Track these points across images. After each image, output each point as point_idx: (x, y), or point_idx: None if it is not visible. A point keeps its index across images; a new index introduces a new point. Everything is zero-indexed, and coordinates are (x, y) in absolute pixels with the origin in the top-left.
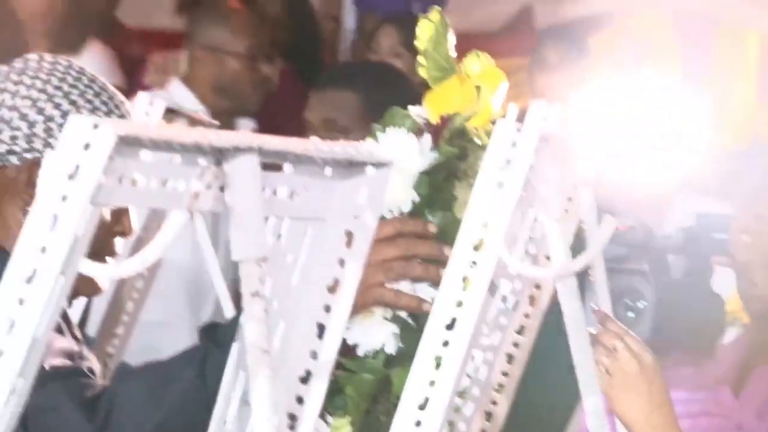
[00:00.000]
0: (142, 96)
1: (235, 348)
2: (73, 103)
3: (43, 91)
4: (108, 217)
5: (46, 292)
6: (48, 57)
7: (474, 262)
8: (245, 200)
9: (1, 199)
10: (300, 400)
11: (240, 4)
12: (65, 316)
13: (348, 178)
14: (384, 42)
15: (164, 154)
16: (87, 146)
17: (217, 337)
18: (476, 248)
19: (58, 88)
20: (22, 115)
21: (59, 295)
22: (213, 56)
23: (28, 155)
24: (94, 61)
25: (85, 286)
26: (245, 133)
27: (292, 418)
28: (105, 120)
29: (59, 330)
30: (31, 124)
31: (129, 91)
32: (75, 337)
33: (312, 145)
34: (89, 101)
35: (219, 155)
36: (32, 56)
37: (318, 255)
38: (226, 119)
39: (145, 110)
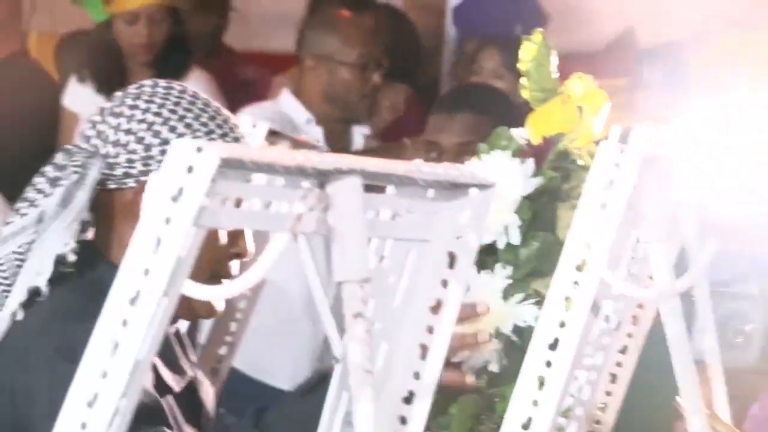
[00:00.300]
0: (245, 118)
1: (338, 369)
2: (188, 126)
3: (158, 114)
4: (224, 239)
5: (149, 314)
6: (162, 82)
7: (576, 283)
8: (348, 222)
9: (119, 220)
10: (403, 421)
11: (350, 14)
12: (180, 339)
13: (451, 200)
14: (486, 64)
15: (267, 177)
16: (190, 169)
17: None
18: (579, 269)
19: (173, 111)
20: (139, 139)
21: (162, 316)
22: (323, 65)
23: (144, 178)
24: (197, 86)
25: (202, 309)
26: (348, 156)
27: None
28: (208, 143)
29: (172, 353)
30: (147, 148)
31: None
32: (190, 361)
33: (414, 167)
34: (204, 124)
35: (322, 177)
36: (147, 82)
37: (421, 276)
38: (334, 126)
39: (248, 132)
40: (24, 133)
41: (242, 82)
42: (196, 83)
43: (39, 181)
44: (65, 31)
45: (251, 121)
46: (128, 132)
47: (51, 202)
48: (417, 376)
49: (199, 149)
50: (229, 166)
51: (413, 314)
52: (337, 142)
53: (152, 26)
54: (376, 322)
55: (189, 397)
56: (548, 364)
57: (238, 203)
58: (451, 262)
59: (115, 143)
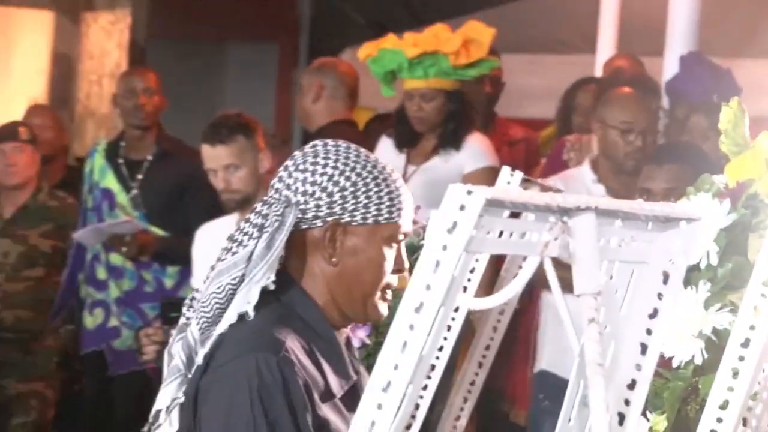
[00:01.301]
0: (505, 170)
1: (576, 362)
2: (358, 174)
3: (335, 168)
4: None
5: (430, 320)
6: (331, 142)
7: (764, 295)
8: (585, 248)
9: (309, 254)
10: (627, 402)
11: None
12: (349, 344)
13: (665, 230)
14: (695, 126)
15: (522, 213)
16: (462, 207)
17: None
18: (765, 284)
19: (345, 164)
20: (323, 188)
21: (440, 322)
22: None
23: (329, 219)
24: (475, 147)
25: (373, 315)
26: (584, 196)
27: (621, 416)
28: (477, 188)
29: (341, 359)
30: (330, 195)
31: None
32: (353, 365)
33: (638, 205)
34: (369, 172)
35: (564, 213)
36: (318, 142)
37: (641, 290)
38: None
39: (507, 180)
40: None
41: (511, 142)
42: (474, 143)
43: (246, 227)
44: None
45: (509, 172)
46: (314, 183)
47: (259, 246)
48: (638, 368)
49: (469, 192)
50: (492, 204)
51: (635, 320)
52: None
53: (422, 103)
54: (607, 326)
55: (352, 399)
56: (741, 358)
57: (499, 234)
58: (665, 279)
59: (304, 193)
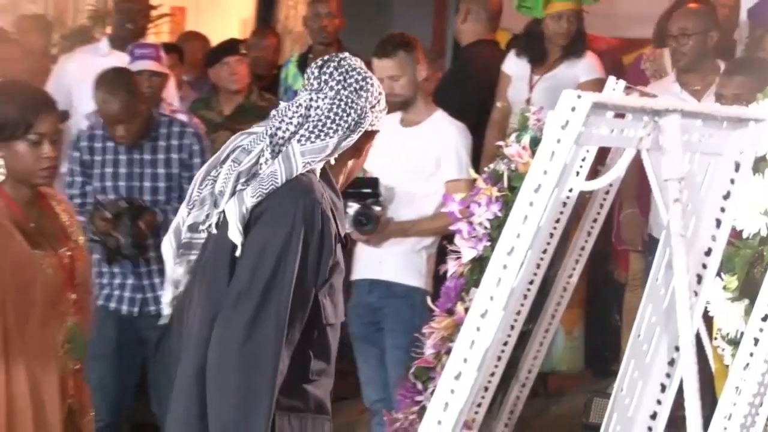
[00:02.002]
0: (611, 79)
1: (663, 234)
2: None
3: (355, 91)
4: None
5: (546, 198)
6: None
7: None
8: (672, 142)
9: (345, 156)
10: (704, 266)
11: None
12: None
13: (737, 129)
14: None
15: (621, 114)
16: (573, 108)
17: None
18: None
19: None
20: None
21: (554, 202)
22: None
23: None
24: (588, 67)
25: None
26: (672, 100)
27: (699, 277)
28: (586, 93)
29: None
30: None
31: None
32: None
33: (716, 107)
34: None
35: (656, 114)
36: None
37: (716, 176)
38: None
39: (612, 88)
40: (486, 87)
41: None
42: (588, 59)
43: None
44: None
45: (614, 81)
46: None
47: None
48: (714, 238)
49: (579, 96)
50: (597, 107)
51: (711, 200)
52: None
53: (569, 23)
54: (689, 204)
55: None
56: None
57: (602, 130)
58: (736, 167)
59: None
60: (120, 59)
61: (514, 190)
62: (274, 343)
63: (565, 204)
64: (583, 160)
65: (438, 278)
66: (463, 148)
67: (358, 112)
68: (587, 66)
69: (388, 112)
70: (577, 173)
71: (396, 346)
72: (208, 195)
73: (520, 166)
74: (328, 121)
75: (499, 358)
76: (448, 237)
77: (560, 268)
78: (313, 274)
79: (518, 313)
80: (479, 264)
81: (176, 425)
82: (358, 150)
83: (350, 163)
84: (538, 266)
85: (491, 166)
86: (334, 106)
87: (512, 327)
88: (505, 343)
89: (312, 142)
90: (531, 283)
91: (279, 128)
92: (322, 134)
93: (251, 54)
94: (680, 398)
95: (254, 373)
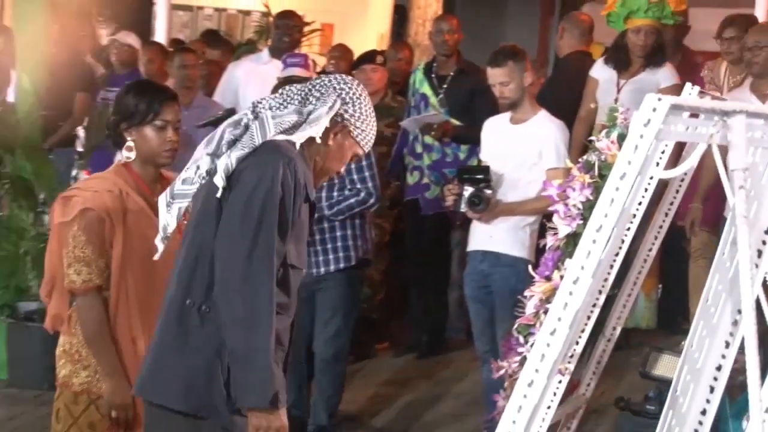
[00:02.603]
0: (687, 86)
1: (729, 215)
2: (371, 114)
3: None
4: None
5: (630, 184)
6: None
7: None
8: (738, 137)
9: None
10: (764, 242)
11: None
12: None
13: None
14: None
15: (695, 114)
16: (654, 109)
17: None
18: None
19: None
20: (354, 109)
21: (637, 188)
22: None
23: (344, 122)
24: (667, 74)
25: None
26: (739, 103)
27: (759, 252)
28: (665, 96)
29: None
30: (354, 113)
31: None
32: None
33: None
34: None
35: (725, 114)
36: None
37: None
38: None
39: (688, 92)
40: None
41: (692, 65)
42: (668, 68)
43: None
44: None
45: (690, 88)
46: (352, 101)
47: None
48: None
49: (659, 99)
50: (675, 108)
51: None
52: None
53: (647, 36)
54: (752, 190)
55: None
56: None
57: (678, 127)
58: None
59: (344, 102)
60: (276, 67)
61: (603, 177)
62: (267, 274)
63: (646, 189)
64: (663, 152)
65: (539, 250)
66: (562, 142)
67: (326, 99)
68: (667, 73)
69: (501, 112)
70: (657, 164)
71: (502, 306)
72: (203, 155)
73: (608, 158)
74: (297, 97)
75: (589, 318)
76: (548, 216)
77: (641, 243)
78: (284, 220)
79: (605, 280)
80: (573, 239)
81: (158, 351)
82: (333, 145)
83: (323, 150)
84: (623, 241)
85: (584, 157)
86: (306, 88)
87: (600, 292)
88: (594, 305)
89: (279, 110)
90: (616, 255)
91: (261, 102)
92: (286, 102)
93: (389, 64)
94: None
95: (255, 301)
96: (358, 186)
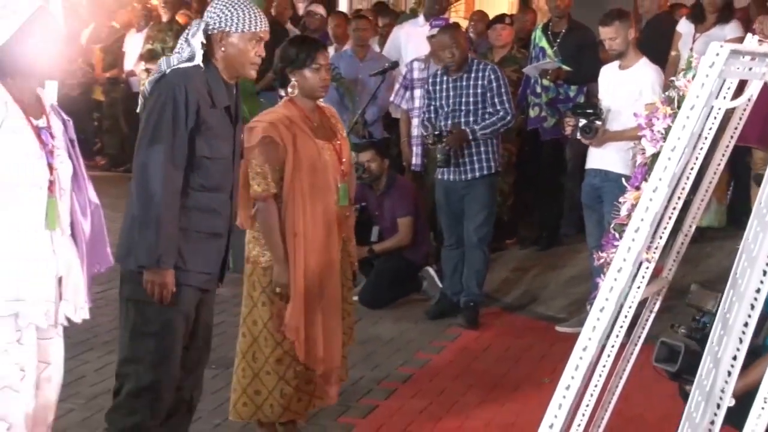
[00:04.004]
0: (748, 36)
1: None
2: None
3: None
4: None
5: (698, 114)
6: None
7: None
8: None
9: (215, 47)
10: None
11: None
12: None
13: None
14: None
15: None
16: (717, 54)
17: None
18: None
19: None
20: (216, 15)
21: (704, 117)
22: None
23: (216, 30)
24: (733, 28)
25: None
26: None
27: None
28: (727, 44)
29: None
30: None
31: None
32: None
33: None
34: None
35: None
36: None
37: None
38: None
39: (749, 41)
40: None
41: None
42: (733, 24)
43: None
44: None
45: (751, 36)
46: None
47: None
48: None
49: (721, 45)
50: (734, 53)
51: None
52: None
53: None
54: None
55: (229, 115)
56: None
57: (737, 67)
58: None
59: (211, 18)
60: (426, 28)
61: (680, 108)
62: (162, 157)
63: (715, 117)
64: (728, 88)
65: None
66: (657, 83)
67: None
68: (733, 27)
69: (610, 62)
70: (725, 97)
71: (609, 211)
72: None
73: (685, 93)
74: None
75: (670, 218)
76: None
77: (712, 159)
78: (183, 121)
79: (683, 189)
80: (656, 157)
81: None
82: (227, 51)
83: (222, 60)
84: (697, 158)
85: (666, 93)
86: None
87: (679, 198)
88: (674, 208)
89: (180, 49)
90: (692, 169)
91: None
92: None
93: (516, 24)
94: None
95: (147, 183)
96: (498, 107)
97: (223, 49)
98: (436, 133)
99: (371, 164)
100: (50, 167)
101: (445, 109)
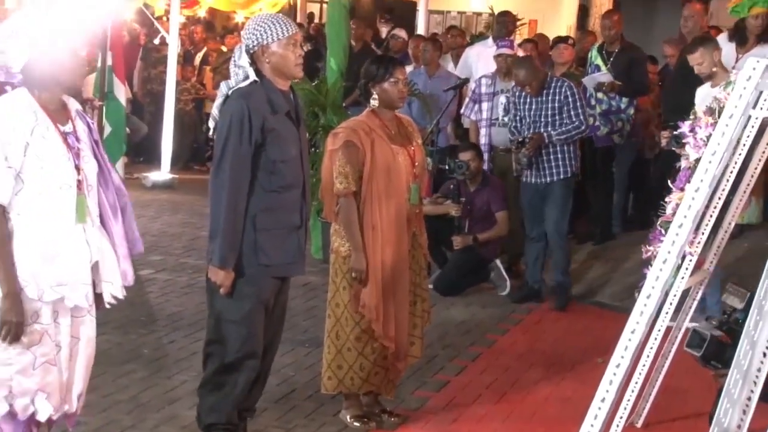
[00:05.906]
0: None
1: None
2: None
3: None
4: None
5: (735, 123)
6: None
7: None
8: None
9: (259, 63)
10: None
11: None
12: None
13: None
14: None
15: None
16: (754, 68)
17: None
18: None
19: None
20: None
21: (740, 127)
22: None
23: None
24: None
25: None
26: None
27: None
28: (763, 59)
29: None
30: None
31: None
32: None
33: None
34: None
35: None
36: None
37: None
38: None
39: None
40: None
41: None
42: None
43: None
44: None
45: None
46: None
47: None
48: None
49: (758, 61)
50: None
51: None
52: None
53: (763, 20)
54: None
55: (290, 118)
56: None
57: None
58: None
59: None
60: (494, 48)
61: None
62: (228, 180)
63: (753, 126)
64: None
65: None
66: None
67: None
68: None
69: (703, 83)
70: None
71: None
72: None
73: (725, 105)
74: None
75: (711, 215)
76: None
77: (750, 163)
78: (247, 138)
79: (723, 190)
80: (699, 162)
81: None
82: (273, 63)
83: (269, 73)
84: (736, 163)
85: (707, 104)
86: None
87: (719, 198)
88: (715, 207)
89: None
90: (731, 172)
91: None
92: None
93: (577, 45)
94: None
95: (219, 195)
96: (573, 119)
97: (267, 60)
98: (520, 140)
99: (471, 163)
100: (77, 168)
101: (527, 120)
